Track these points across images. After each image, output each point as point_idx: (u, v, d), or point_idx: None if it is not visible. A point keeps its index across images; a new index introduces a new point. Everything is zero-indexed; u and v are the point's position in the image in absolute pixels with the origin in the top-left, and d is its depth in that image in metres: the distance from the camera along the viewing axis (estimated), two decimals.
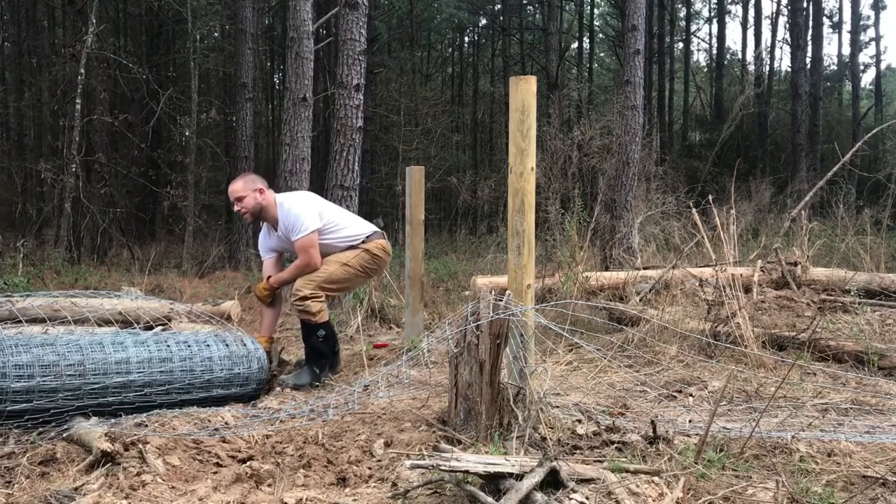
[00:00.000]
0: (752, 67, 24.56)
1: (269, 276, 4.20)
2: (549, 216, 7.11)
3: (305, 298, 3.99)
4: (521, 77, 3.02)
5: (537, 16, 26.70)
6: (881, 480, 2.35)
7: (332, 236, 4.13)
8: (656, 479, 2.27)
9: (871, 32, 27.21)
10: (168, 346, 3.47)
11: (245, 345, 3.74)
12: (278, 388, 3.88)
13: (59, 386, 3.07)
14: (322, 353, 4.08)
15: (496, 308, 2.77)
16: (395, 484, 2.37)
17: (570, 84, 18.19)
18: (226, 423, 3.09)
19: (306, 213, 4.01)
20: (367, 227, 4.29)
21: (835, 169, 8.01)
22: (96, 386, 3.14)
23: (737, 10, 28.65)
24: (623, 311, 5.26)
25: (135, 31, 18.82)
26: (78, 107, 11.12)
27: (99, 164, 12.77)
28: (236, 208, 4.07)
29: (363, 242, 4.18)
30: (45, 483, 2.44)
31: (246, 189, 4.02)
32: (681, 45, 28.17)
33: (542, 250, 6.72)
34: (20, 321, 4.23)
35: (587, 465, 2.40)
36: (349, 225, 4.22)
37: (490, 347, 2.71)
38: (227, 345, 3.65)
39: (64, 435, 2.85)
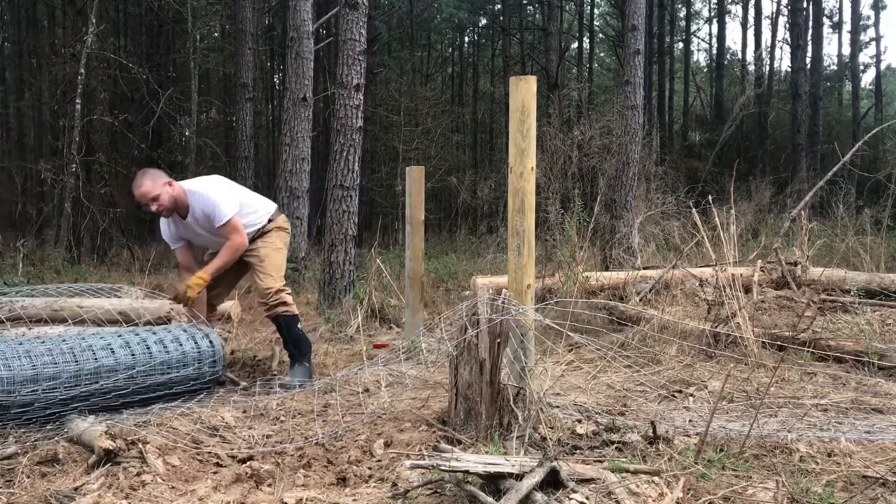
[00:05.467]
0: (752, 67, 24.58)
1: (196, 271, 4.03)
2: (549, 216, 7.10)
3: (280, 291, 3.96)
4: (521, 77, 3.02)
5: (537, 16, 26.69)
6: (881, 480, 2.35)
7: (247, 220, 4.04)
8: (656, 479, 2.27)
9: (871, 32, 27.23)
10: (139, 335, 3.56)
11: (202, 330, 3.79)
12: (277, 390, 3.88)
13: (58, 377, 3.08)
14: (306, 343, 4.09)
15: (494, 307, 2.77)
16: (395, 484, 2.37)
17: (570, 84, 18.18)
18: (226, 424, 3.09)
19: (224, 197, 3.93)
20: (272, 205, 4.27)
21: (835, 169, 8.01)
22: (90, 380, 3.16)
23: (737, 10, 28.66)
24: (623, 311, 5.26)
25: (135, 31, 18.83)
26: (78, 107, 11.12)
27: (99, 164, 12.77)
28: (154, 208, 3.83)
29: (271, 221, 4.14)
30: (46, 483, 2.44)
31: (156, 187, 3.81)
32: (681, 45, 28.18)
33: (542, 250, 6.71)
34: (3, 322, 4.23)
35: (587, 465, 2.40)
36: (260, 205, 4.17)
37: (490, 347, 2.72)
38: (185, 330, 3.73)
39: (65, 435, 2.85)
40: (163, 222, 4.05)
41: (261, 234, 4.08)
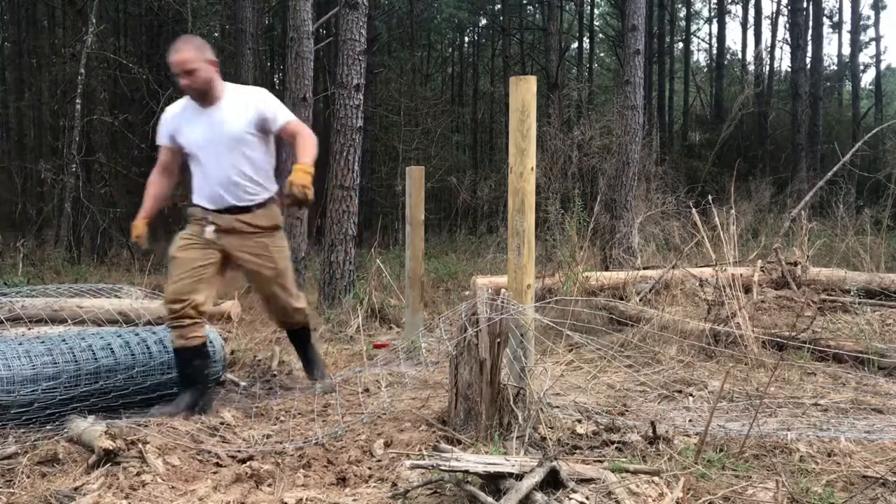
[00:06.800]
0: (752, 67, 24.60)
1: (168, 186, 3.46)
2: (549, 216, 7.10)
3: (302, 309, 3.62)
4: (521, 77, 3.02)
5: (537, 16, 26.69)
6: (881, 480, 2.35)
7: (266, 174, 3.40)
8: (656, 479, 2.27)
9: (871, 32, 27.25)
10: (139, 335, 3.55)
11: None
12: (279, 391, 3.88)
13: (58, 376, 3.08)
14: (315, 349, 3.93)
15: (494, 307, 2.77)
16: (395, 484, 2.37)
17: (570, 84, 18.18)
18: (226, 424, 3.09)
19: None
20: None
21: (835, 169, 8.02)
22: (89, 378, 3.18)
23: (737, 10, 28.67)
24: (623, 311, 5.26)
25: (135, 31, 18.82)
26: (78, 107, 11.13)
27: (99, 164, 12.78)
28: (185, 82, 3.16)
29: (275, 201, 3.46)
30: (46, 483, 2.44)
31: (199, 59, 3.15)
32: (681, 45, 28.17)
33: (542, 250, 6.71)
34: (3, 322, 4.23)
35: (587, 465, 2.40)
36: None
37: (490, 347, 2.72)
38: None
39: (65, 435, 2.85)
40: (170, 111, 3.40)
41: (253, 220, 3.36)
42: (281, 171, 3.48)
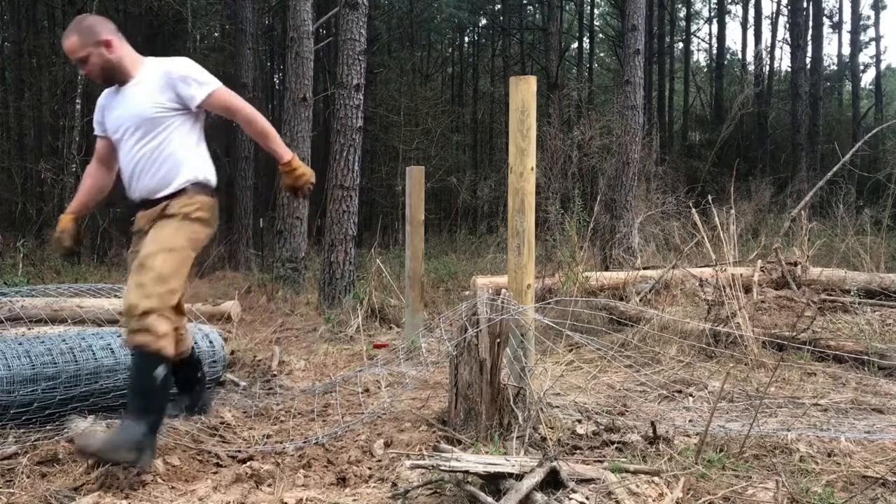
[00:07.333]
0: (752, 67, 24.60)
1: (108, 178, 3.01)
2: (549, 216, 7.11)
3: (148, 313, 2.52)
4: (521, 77, 3.02)
5: (537, 16, 26.68)
6: (881, 480, 2.35)
7: (169, 165, 2.77)
8: (656, 479, 2.27)
9: (871, 32, 27.23)
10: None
11: (202, 330, 3.77)
12: (279, 391, 3.88)
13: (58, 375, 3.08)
14: (158, 402, 2.58)
15: (494, 307, 2.77)
16: (395, 484, 2.37)
17: (570, 84, 18.18)
18: (226, 424, 3.09)
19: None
20: (208, 170, 2.89)
21: (835, 169, 8.02)
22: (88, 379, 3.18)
23: (737, 10, 28.66)
24: (623, 311, 5.26)
25: (135, 31, 18.82)
26: (78, 107, 11.14)
27: None
28: (82, 71, 2.87)
29: (186, 192, 2.79)
30: (46, 483, 2.44)
31: (86, 45, 2.74)
32: (681, 45, 28.17)
33: (542, 250, 6.71)
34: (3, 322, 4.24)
35: (587, 465, 2.40)
36: (197, 159, 2.86)
37: (490, 347, 2.72)
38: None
39: (65, 435, 2.85)
40: (100, 98, 2.96)
41: (165, 210, 2.77)
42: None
